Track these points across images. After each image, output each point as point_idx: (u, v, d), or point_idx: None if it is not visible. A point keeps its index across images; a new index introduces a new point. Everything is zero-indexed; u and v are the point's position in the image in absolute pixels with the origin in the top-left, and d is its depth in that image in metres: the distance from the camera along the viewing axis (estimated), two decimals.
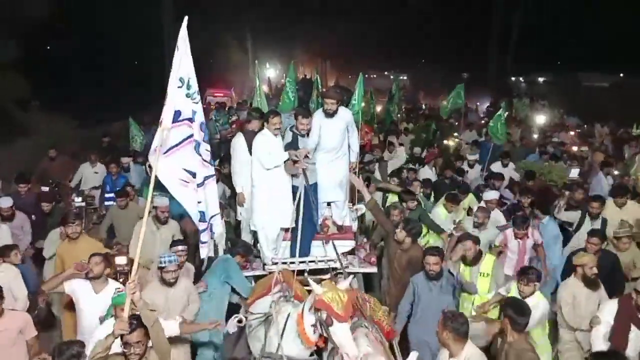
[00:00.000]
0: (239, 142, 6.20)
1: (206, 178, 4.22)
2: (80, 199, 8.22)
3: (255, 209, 5.92)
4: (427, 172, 9.70)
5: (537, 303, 4.83)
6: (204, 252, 4.45)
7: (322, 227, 6.18)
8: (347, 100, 8.19)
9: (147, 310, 3.72)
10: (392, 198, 8.21)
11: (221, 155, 9.93)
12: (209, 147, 4.21)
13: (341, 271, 5.92)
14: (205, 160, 4.18)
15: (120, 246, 6.64)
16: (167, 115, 3.87)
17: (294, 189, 5.82)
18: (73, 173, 9.89)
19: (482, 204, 7.21)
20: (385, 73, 30.54)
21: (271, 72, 34.06)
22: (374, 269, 6.20)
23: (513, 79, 32.28)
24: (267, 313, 4.79)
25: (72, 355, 3.65)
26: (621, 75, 29.76)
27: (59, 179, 9.67)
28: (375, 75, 31.56)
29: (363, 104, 8.34)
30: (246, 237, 6.32)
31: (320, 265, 5.92)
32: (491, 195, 7.33)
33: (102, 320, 4.46)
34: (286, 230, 5.96)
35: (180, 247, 5.32)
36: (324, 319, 3.99)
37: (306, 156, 5.67)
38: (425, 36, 29.19)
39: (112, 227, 7.26)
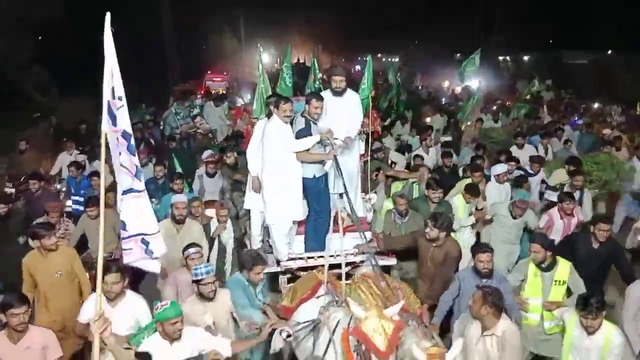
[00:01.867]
0: (260, 127, 5.50)
1: (125, 192, 3.25)
2: (60, 185, 7.93)
3: (266, 201, 5.30)
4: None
5: (610, 339, 3.80)
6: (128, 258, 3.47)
7: (335, 219, 5.61)
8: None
9: (120, 349, 3.17)
10: (397, 187, 7.69)
11: (184, 150, 9.63)
12: (136, 160, 3.23)
13: (358, 264, 5.42)
14: (128, 170, 3.21)
15: (120, 251, 5.92)
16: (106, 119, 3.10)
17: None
18: (52, 163, 9.21)
19: (493, 179, 6.96)
20: (379, 55, 29.73)
21: (264, 57, 33.12)
22: (393, 262, 5.64)
23: (501, 58, 31.53)
24: (316, 320, 4.07)
25: None
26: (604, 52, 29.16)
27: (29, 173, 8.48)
28: (366, 58, 30.83)
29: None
30: (256, 229, 5.71)
31: (338, 260, 5.27)
32: (500, 168, 7.01)
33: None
34: (299, 223, 5.42)
35: (192, 250, 4.70)
36: (362, 350, 3.26)
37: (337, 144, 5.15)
38: (415, 18, 28.44)
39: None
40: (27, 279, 4.90)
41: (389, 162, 8.96)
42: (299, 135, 5.12)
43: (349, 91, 5.60)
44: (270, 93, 6.26)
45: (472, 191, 6.41)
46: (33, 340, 3.81)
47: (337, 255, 5.07)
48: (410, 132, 11.64)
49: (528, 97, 16.27)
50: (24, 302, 3.77)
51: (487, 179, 7.32)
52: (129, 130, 3.17)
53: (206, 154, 8.12)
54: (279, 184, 5.18)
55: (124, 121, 3.13)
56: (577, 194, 6.60)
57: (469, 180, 6.88)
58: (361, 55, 31.80)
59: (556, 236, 5.93)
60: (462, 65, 12.73)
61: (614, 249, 5.23)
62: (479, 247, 4.72)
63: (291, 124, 5.27)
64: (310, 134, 5.11)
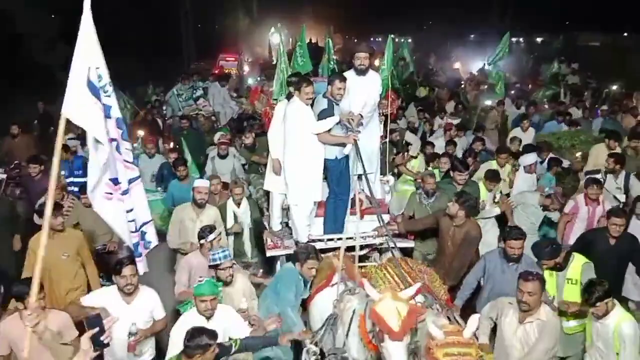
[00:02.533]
0: (281, 109, 5.39)
1: (131, 181, 3.28)
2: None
3: (289, 183, 5.22)
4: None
5: (620, 326, 3.68)
6: (141, 267, 3.52)
7: (353, 201, 5.51)
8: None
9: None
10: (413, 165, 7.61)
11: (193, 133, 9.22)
12: (129, 145, 3.25)
13: (377, 247, 5.35)
14: (127, 161, 3.24)
15: (114, 243, 5.74)
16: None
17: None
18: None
19: (522, 169, 6.73)
20: (392, 36, 29.17)
21: (277, 37, 32.72)
22: (411, 244, 5.56)
23: (514, 39, 30.83)
24: (331, 315, 3.93)
25: (199, 346, 3.10)
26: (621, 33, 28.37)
27: (22, 159, 7.78)
28: (380, 39, 30.23)
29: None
30: (277, 210, 5.66)
31: (357, 242, 5.16)
32: (530, 159, 6.78)
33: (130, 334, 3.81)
34: (318, 205, 5.34)
35: (212, 236, 4.59)
36: (376, 331, 3.20)
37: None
38: None
39: None
40: (31, 260, 4.64)
41: (404, 142, 8.81)
42: (322, 115, 5.00)
43: (372, 71, 5.47)
44: (289, 74, 6.12)
45: (493, 177, 6.15)
46: (49, 324, 3.71)
47: (356, 238, 4.94)
48: (421, 116, 11.05)
49: (550, 80, 15.57)
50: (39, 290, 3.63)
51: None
52: (119, 115, 3.11)
53: (217, 135, 8.06)
54: (301, 165, 5.11)
55: (115, 109, 3.05)
56: (620, 178, 6.36)
57: (493, 164, 6.74)
58: (374, 36, 31.23)
59: (581, 224, 5.75)
60: (496, 55, 11.62)
61: (632, 245, 4.88)
62: (511, 233, 4.54)
63: (312, 104, 5.15)
64: (333, 115, 4.98)
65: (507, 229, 4.84)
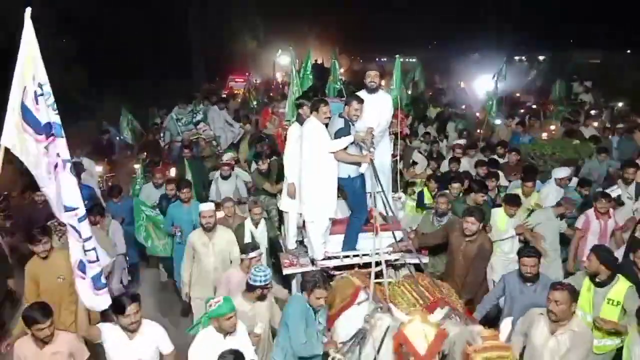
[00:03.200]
0: (293, 133, 5.48)
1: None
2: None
3: (305, 200, 5.26)
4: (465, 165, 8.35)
5: None
6: (104, 301, 3.35)
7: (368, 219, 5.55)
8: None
9: None
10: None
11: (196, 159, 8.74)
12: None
13: (393, 263, 5.35)
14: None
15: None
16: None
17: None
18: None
19: (553, 182, 6.63)
20: (397, 56, 29.54)
21: (283, 59, 33.11)
22: (425, 259, 5.56)
23: (516, 58, 31.04)
24: (362, 329, 3.84)
25: None
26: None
27: (8, 189, 7.58)
28: (385, 59, 30.52)
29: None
30: (292, 229, 5.68)
31: (373, 259, 5.13)
32: (563, 172, 6.72)
33: None
34: (335, 223, 5.37)
35: (253, 254, 4.62)
36: (404, 352, 3.21)
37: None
38: (435, 18, 28.06)
39: None
40: (30, 285, 4.60)
41: (411, 161, 8.85)
42: (338, 134, 5.07)
43: (382, 91, 5.57)
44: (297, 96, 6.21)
45: (513, 202, 5.89)
46: (59, 345, 3.70)
47: (372, 255, 4.94)
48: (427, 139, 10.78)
49: (563, 99, 15.28)
50: (48, 315, 3.62)
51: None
52: (67, 156, 2.98)
53: (228, 155, 8.18)
54: (317, 182, 5.15)
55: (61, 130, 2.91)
56: (631, 188, 6.38)
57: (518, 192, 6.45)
58: (378, 56, 31.50)
59: (594, 238, 5.71)
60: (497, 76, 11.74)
61: None
62: (523, 251, 4.53)
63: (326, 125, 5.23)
64: (349, 134, 5.06)
65: (521, 248, 4.82)
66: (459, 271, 5.06)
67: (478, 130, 11.07)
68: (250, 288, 4.13)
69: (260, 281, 4.07)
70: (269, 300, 4.34)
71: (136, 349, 3.69)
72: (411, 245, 5.12)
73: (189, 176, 7.47)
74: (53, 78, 3.00)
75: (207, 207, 5.45)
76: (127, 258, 6.77)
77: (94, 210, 5.92)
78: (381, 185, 4.89)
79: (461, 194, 6.56)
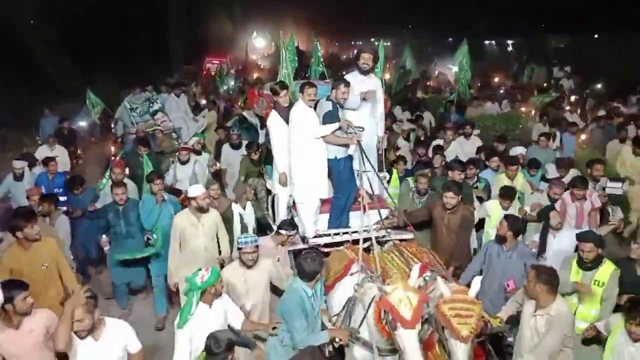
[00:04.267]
0: (274, 120, 5.49)
1: None
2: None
3: (295, 182, 5.36)
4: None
5: None
6: None
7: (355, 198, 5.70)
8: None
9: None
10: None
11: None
12: None
13: (380, 240, 5.51)
14: None
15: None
16: None
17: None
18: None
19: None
20: (372, 40, 29.44)
21: (260, 41, 32.71)
22: (411, 235, 5.74)
23: (487, 42, 31.44)
24: (351, 297, 4.05)
25: (227, 348, 3.17)
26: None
27: None
28: (360, 43, 30.45)
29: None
30: (283, 210, 5.78)
31: (361, 236, 5.30)
32: (518, 150, 7.01)
33: None
34: (324, 202, 5.49)
35: (292, 232, 4.91)
36: (389, 320, 3.31)
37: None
38: (410, 2, 28.00)
39: None
40: (7, 276, 4.18)
41: (395, 145, 8.98)
42: (326, 117, 5.15)
43: (372, 74, 5.68)
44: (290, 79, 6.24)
45: (507, 196, 5.73)
46: (35, 322, 3.57)
47: (362, 231, 5.05)
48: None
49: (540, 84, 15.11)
50: (24, 286, 3.53)
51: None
52: None
53: (193, 140, 7.97)
54: (306, 164, 5.25)
55: None
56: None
57: (503, 179, 6.43)
58: (354, 39, 31.42)
59: (571, 220, 5.72)
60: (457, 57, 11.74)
61: None
62: (505, 217, 4.79)
63: (315, 106, 5.30)
64: (337, 116, 5.14)
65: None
66: (444, 242, 5.27)
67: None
68: (238, 251, 4.32)
69: (242, 243, 4.24)
70: (266, 266, 4.43)
71: (100, 351, 3.43)
72: (397, 221, 5.30)
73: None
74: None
75: (199, 190, 5.26)
76: (83, 254, 6.35)
77: (47, 200, 5.70)
78: (372, 165, 5.00)
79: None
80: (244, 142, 7.51)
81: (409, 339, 3.21)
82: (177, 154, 7.46)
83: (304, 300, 3.87)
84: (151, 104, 9.74)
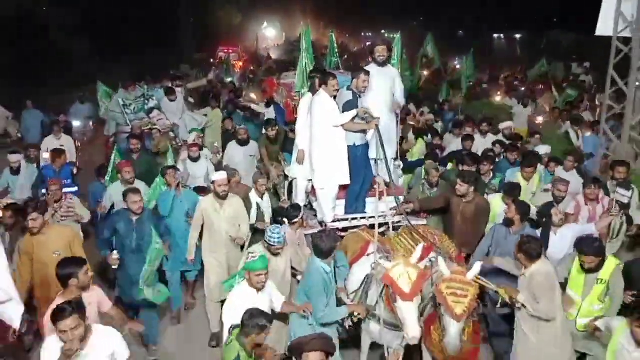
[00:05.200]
0: (306, 103, 5.67)
1: None
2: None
3: (316, 168, 5.52)
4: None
5: None
6: None
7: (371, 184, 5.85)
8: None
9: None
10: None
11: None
12: None
13: (394, 225, 5.67)
14: None
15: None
16: None
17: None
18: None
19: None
20: (382, 31, 29.36)
21: (270, 31, 32.76)
22: (424, 221, 5.90)
23: (495, 36, 31.34)
24: (368, 275, 4.29)
25: (258, 326, 3.25)
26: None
27: None
28: (370, 34, 30.41)
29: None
30: (301, 195, 5.93)
31: (376, 221, 5.49)
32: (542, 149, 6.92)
33: None
34: (342, 188, 5.65)
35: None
36: (390, 293, 3.56)
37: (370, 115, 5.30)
38: None
39: None
40: (24, 260, 4.46)
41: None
42: (347, 106, 5.29)
43: (389, 65, 5.84)
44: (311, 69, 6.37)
45: (510, 194, 5.50)
46: (91, 297, 3.79)
47: (379, 217, 5.25)
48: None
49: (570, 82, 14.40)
50: (84, 262, 3.77)
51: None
52: None
53: (193, 135, 7.49)
54: (327, 151, 5.39)
55: None
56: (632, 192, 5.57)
57: (518, 177, 6.17)
58: (364, 31, 31.37)
59: (583, 222, 5.49)
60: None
61: None
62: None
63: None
64: (357, 106, 5.30)
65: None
66: (458, 229, 5.44)
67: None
68: (266, 244, 4.44)
69: (274, 242, 4.36)
70: (286, 254, 4.62)
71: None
72: (413, 207, 5.48)
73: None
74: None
75: (220, 175, 5.48)
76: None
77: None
78: (384, 152, 5.18)
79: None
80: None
81: (408, 311, 3.49)
82: (182, 152, 7.05)
83: (325, 277, 4.06)
84: (146, 101, 8.96)
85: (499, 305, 4.17)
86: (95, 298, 3.89)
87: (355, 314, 4.06)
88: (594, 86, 15.29)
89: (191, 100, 10.26)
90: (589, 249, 4.11)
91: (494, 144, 7.65)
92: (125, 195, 5.04)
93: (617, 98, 8.05)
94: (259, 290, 3.89)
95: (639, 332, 3.29)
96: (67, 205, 5.73)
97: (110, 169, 6.61)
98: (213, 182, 5.46)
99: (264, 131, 7.46)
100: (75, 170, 7.31)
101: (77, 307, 3.08)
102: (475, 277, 3.61)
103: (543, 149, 7.36)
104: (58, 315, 3.02)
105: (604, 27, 7.23)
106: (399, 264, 3.59)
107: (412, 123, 9.28)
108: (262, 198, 6.07)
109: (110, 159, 6.79)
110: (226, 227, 5.40)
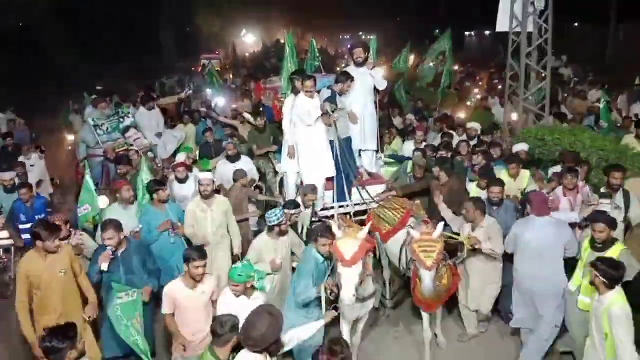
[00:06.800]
0: (290, 103, 6.11)
1: None
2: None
3: (300, 163, 5.99)
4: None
5: (612, 305, 3.61)
6: None
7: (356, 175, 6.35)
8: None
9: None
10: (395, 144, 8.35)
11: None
12: None
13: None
14: None
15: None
16: None
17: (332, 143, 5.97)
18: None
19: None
20: (360, 33, 29.90)
21: (250, 37, 33.07)
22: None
23: (467, 33, 32.09)
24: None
25: (232, 327, 3.18)
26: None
27: None
28: (349, 36, 30.89)
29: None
30: (292, 188, 6.34)
31: (363, 208, 6.10)
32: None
33: None
34: (329, 180, 6.11)
35: (293, 211, 5.08)
36: (336, 261, 4.01)
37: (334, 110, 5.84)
38: None
39: None
40: (24, 284, 4.22)
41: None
42: (326, 103, 5.91)
43: (366, 65, 6.41)
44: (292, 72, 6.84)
45: (486, 177, 5.82)
46: (206, 286, 4.13)
47: (363, 203, 5.99)
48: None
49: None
50: (204, 256, 4.04)
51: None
52: None
53: (182, 155, 6.97)
54: (310, 147, 5.89)
55: None
56: (619, 196, 5.31)
57: (503, 174, 6.02)
58: (342, 34, 31.77)
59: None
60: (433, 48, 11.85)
61: None
62: (491, 182, 5.46)
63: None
64: (335, 103, 5.91)
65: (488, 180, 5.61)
66: (437, 212, 5.89)
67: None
68: (270, 229, 4.83)
69: (273, 221, 4.72)
70: (288, 237, 5.00)
71: None
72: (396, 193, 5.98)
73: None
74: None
75: (205, 175, 5.51)
76: None
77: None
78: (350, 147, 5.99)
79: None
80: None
81: (346, 276, 3.91)
82: (169, 174, 6.69)
83: (318, 264, 4.39)
84: (121, 119, 8.16)
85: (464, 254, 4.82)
86: (211, 286, 4.18)
87: (330, 288, 4.24)
88: (573, 79, 15.14)
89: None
90: (600, 215, 4.30)
91: (459, 143, 7.53)
92: (102, 227, 4.63)
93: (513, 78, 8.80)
94: (249, 296, 3.93)
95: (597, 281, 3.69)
96: (77, 243, 5.11)
97: (82, 197, 5.78)
98: (198, 182, 5.48)
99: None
100: (50, 193, 6.92)
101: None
102: (441, 234, 4.30)
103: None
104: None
105: (502, 24, 8.55)
106: (345, 237, 4.07)
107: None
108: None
109: (81, 185, 6.12)
110: (212, 228, 5.41)
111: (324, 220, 5.78)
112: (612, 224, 4.26)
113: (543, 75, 8.62)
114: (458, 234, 5.02)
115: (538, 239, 4.53)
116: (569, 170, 5.52)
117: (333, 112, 5.82)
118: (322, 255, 4.37)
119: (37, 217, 5.75)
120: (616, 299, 3.63)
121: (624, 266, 3.75)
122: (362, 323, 4.72)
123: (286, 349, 3.37)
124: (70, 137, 8.19)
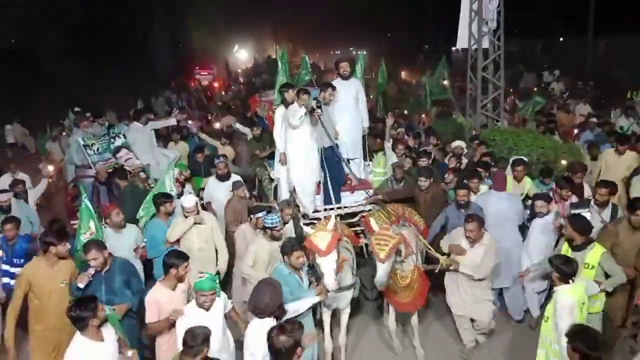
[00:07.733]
0: (280, 113, 6.50)
1: None
2: None
3: (290, 168, 6.35)
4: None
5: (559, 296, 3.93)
6: None
7: (345, 180, 6.73)
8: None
9: None
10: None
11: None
12: None
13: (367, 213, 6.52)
14: None
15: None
16: None
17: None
18: None
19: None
20: (350, 48, 30.51)
21: (242, 53, 33.64)
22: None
23: (454, 48, 32.73)
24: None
25: (203, 338, 3.30)
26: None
27: None
28: (339, 52, 31.48)
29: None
30: (285, 193, 6.63)
31: (351, 210, 6.51)
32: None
33: None
34: (318, 185, 6.44)
35: (259, 215, 5.29)
36: (312, 253, 4.32)
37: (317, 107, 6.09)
38: (386, 10, 28.98)
39: None
40: (22, 290, 4.27)
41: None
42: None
43: (352, 78, 6.84)
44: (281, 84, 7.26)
45: (473, 177, 6.15)
46: (185, 285, 4.23)
47: (351, 206, 6.44)
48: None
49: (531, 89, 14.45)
50: (186, 257, 4.19)
51: None
52: None
53: (175, 172, 6.83)
54: (301, 154, 6.21)
55: None
56: (607, 210, 5.51)
57: (510, 180, 6.21)
58: (332, 49, 32.34)
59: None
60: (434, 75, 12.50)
61: None
62: (460, 185, 5.84)
63: None
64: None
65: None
66: (423, 213, 6.12)
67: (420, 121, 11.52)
68: (265, 230, 5.12)
69: (268, 222, 4.97)
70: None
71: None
72: (382, 198, 6.35)
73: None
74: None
75: (189, 202, 5.49)
76: None
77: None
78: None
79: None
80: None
81: (325, 265, 4.21)
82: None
83: (286, 277, 4.30)
84: (112, 139, 7.95)
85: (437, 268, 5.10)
86: (186, 285, 4.26)
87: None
88: (565, 93, 15.34)
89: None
90: (574, 219, 4.62)
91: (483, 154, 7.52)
92: (85, 248, 4.49)
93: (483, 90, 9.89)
94: (207, 309, 3.93)
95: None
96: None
97: (82, 224, 5.22)
98: (183, 207, 5.46)
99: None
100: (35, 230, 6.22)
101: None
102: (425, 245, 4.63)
103: (457, 143, 7.96)
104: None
105: (461, 41, 9.78)
106: (318, 231, 4.37)
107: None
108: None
109: (74, 211, 6.00)
110: (198, 244, 5.52)
111: (313, 222, 6.15)
112: (580, 226, 4.52)
113: (497, 85, 9.76)
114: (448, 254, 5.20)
115: (499, 210, 5.52)
116: (566, 180, 5.82)
117: (318, 107, 6.09)
118: (288, 269, 4.35)
119: (14, 260, 5.28)
120: (565, 291, 3.92)
121: (576, 263, 4.07)
122: (345, 315, 4.97)
123: (287, 316, 3.82)
124: (50, 168, 7.39)
